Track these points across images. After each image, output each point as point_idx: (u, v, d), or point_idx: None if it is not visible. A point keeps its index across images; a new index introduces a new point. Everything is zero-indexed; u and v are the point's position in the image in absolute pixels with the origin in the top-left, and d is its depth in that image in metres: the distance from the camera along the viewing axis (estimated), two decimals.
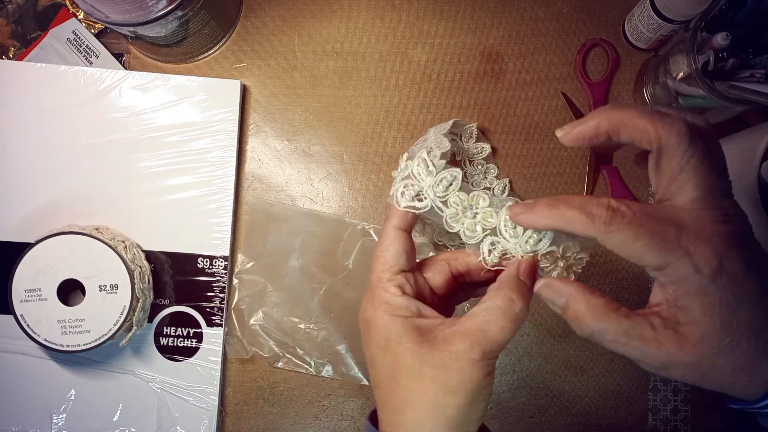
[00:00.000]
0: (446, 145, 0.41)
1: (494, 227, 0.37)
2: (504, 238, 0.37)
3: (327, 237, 0.60)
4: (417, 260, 0.39)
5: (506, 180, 0.60)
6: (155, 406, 0.57)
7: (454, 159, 0.59)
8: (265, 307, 0.59)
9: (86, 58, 0.60)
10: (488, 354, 0.33)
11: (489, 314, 0.33)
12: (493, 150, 0.61)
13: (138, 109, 0.58)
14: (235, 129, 0.59)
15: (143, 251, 0.57)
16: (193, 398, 0.57)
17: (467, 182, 0.38)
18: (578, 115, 0.61)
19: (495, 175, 0.60)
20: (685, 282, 0.29)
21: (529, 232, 0.36)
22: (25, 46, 0.60)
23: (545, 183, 0.61)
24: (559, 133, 0.35)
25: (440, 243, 0.57)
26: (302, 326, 0.59)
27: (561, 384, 0.60)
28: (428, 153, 0.39)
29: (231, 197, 0.58)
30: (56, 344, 0.53)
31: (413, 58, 0.62)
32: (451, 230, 0.38)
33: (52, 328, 0.53)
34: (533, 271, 0.36)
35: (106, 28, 0.61)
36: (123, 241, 0.55)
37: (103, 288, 0.53)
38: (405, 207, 0.38)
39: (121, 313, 0.53)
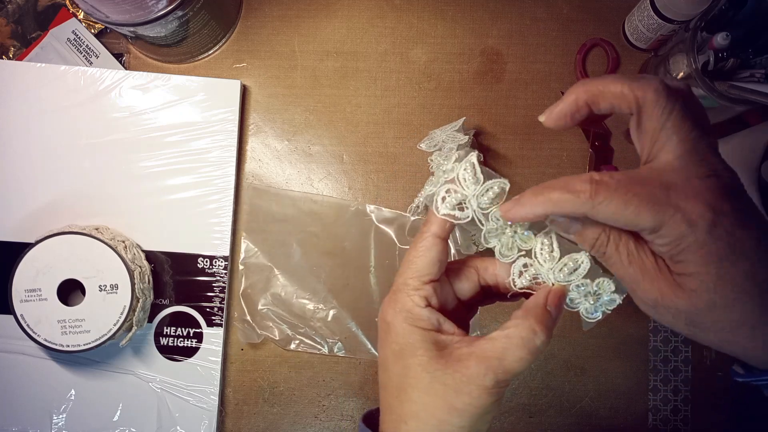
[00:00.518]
0: (462, 137, 0.40)
1: (530, 249, 0.36)
2: (538, 262, 0.35)
3: (325, 219, 0.60)
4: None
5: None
6: (155, 406, 0.57)
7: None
8: (273, 289, 0.59)
9: (86, 58, 0.60)
10: (501, 383, 0.32)
11: (509, 342, 0.33)
12: (493, 149, 0.61)
13: (138, 109, 0.58)
14: (235, 129, 0.59)
15: (143, 251, 0.57)
16: (193, 398, 0.57)
17: None
18: None
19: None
20: (681, 240, 0.29)
21: (565, 259, 0.35)
22: (25, 46, 0.60)
23: None
24: (541, 118, 0.34)
25: (472, 239, 0.54)
26: (311, 306, 0.59)
27: (561, 384, 0.60)
28: (477, 158, 0.36)
29: (231, 197, 0.58)
30: (56, 344, 0.53)
31: (413, 58, 0.62)
32: (487, 245, 0.37)
33: (52, 328, 0.53)
34: (561, 302, 0.35)
35: (106, 28, 0.61)
36: (123, 241, 0.55)
37: (103, 288, 0.53)
38: (444, 215, 0.36)
39: (121, 313, 0.53)
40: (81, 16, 0.60)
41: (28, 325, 0.53)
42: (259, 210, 0.60)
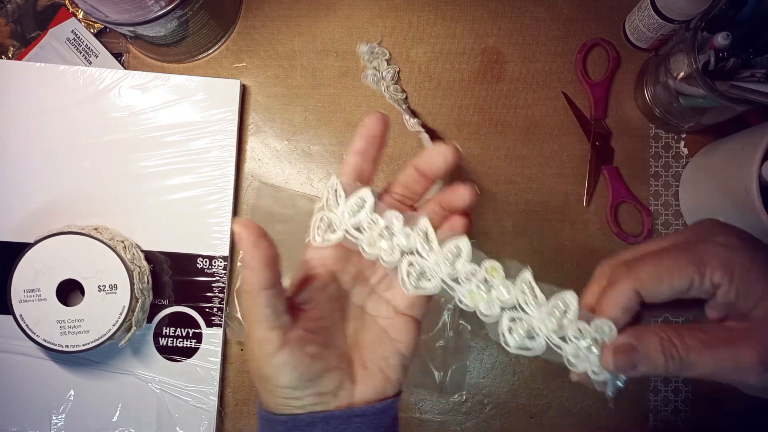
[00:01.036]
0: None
1: (511, 303, 0.33)
2: (527, 312, 0.33)
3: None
4: None
5: (395, 67, 0.61)
6: (154, 406, 0.57)
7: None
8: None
9: (85, 58, 0.60)
10: None
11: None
12: (494, 148, 0.61)
13: (137, 109, 0.58)
14: (235, 129, 0.59)
15: (142, 251, 0.57)
16: (193, 399, 0.57)
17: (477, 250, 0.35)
18: (578, 114, 0.61)
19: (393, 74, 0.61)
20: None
21: (553, 300, 0.33)
22: (24, 45, 0.60)
23: (546, 183, 0.61)
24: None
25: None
26: None
27: (561, 384, 0.60)
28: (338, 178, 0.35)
29: (230, 197, 0.58)
30: (55, 344, 0.53)
31: (413, 58, 0.62)
32: (466, 309, 0.34)
33: (51, 329, 0.53)
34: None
35: (105, 27, 0.60)
36: (122, 242, 0.55)
37: (102, 288, 0.53)
38: (413, 291, 0.35)
39: (121, 314, 0.53)
40: (80, 15, 0.60)
41: (27, 326, 0.52)
42: (259, 210, 0.60)
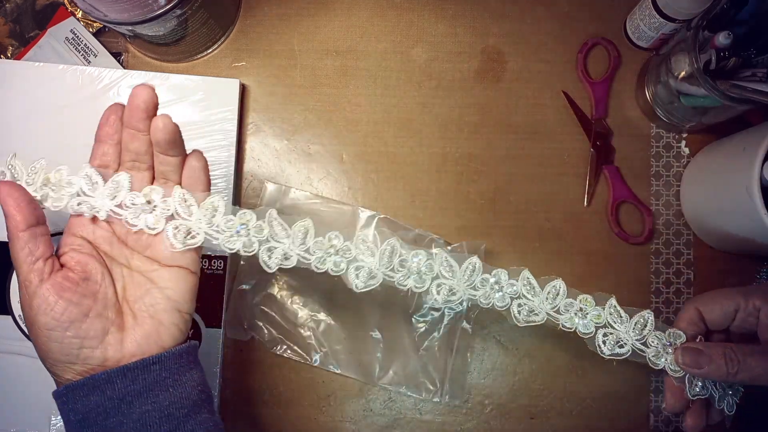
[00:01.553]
0: None
1: (601, 322, 0.46)
2: (614, 327, 0.46)
3: (333, 224, 0.59)
4: None
5: None
6: None
7: None
8: (269, 290, 0.59)
9: (84, 57, 0.59)
10: None
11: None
12: (494, 148, 0.61)
13: None
14: (234, 128, 0.59)
15: None
16: None
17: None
18: (579, 114, 0.61)
19: None
20: None
21: (636, 318, 0.45)
22: (23, 45, 0.60)
23: (546, 182, 0.61)
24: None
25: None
26: (304, 314, 0.59)
27: (562, 385, 0.60)
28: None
29: (230, 197, 0.58)
30: None
31: (413, 57, 0.62)
32: (568, 330, 0.46)
33: None
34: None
35: (104, 26, 0.60)
36: None
37: None
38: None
39: None
40: (79, 15, 0.60)
41: (26, 326, 0.52)
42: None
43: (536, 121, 0.61)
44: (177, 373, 0.39)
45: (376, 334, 0.59)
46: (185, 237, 0.41)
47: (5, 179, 0.41)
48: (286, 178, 0.61)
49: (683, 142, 0.61)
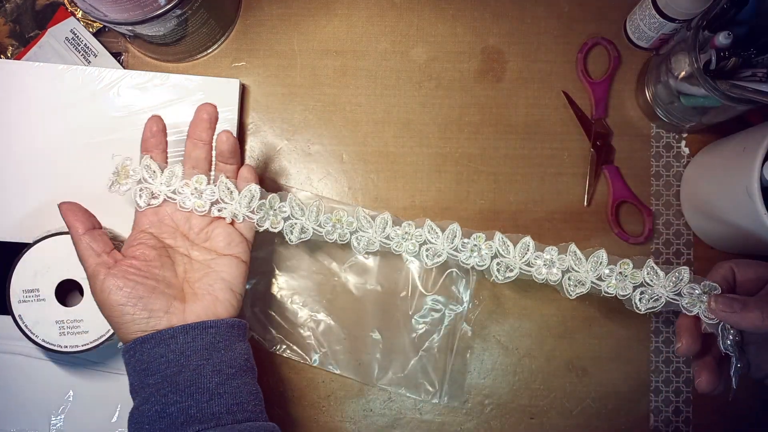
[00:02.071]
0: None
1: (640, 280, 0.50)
2: (652, 285, 0.49)
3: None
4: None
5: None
6: None
7: None
8: (270, 289, 0.59)
9: (84, 57, 0.59)
10: None
11: None
12: (494, 148, 0.61)
13: (136, 108, 0.58)
14: (234, 128, 0.59)
15: None
16: None
17: None
18: (579, 114, 0.61)
19: None
20: None
21: (672, 274, 0.48)
22: (23, 45, 0.60)
23: (546, 182, 0.61)
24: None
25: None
26: (303, 314, 0.59)
27: (562, 385, 0.60)
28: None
29: None
30: (54, 345, 0.53)
31: (413, 57, 0.62)
32: (609, 295, 0.50)
33: (50, 329, 0.52)
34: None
35: (104, 26, 0.60)
36: (122, 242, 0.55)
37: None
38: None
39: None
40: (79, 15, 0.60)
41: (26, 326, 0.52)
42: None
43: (536, 121, 0.61)
44: (228, 340, 0.46)
45: (376, 335, 0.59)
46: (232, 216, 0.51)
47: (130, 178, 0.50)
48: (286, 178, 0.61)
49: (683, 142, 0.61)
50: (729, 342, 0.46)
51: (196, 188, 0.49)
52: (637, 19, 0.59)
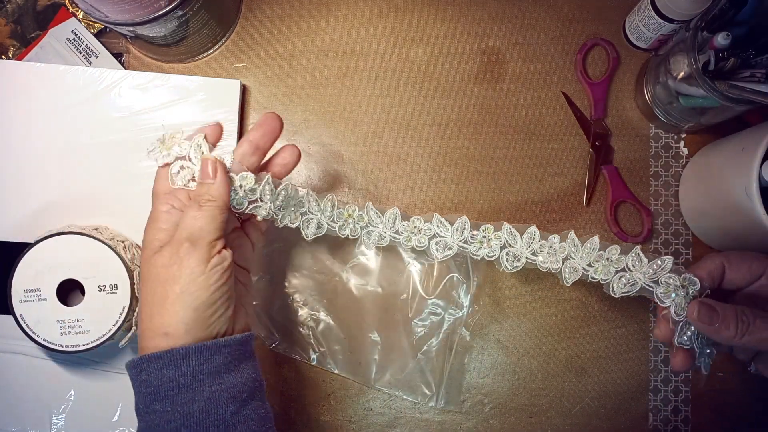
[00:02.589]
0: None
1: (623, 266, 0.48)
2: (631, 271, 0.48)
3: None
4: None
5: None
6: None
7: None
8: (270, 289, 0.59)
9: (86, 58, 0.60)
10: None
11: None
12: (494, 148, 0.61)
13: (137, 109, 0.58)
14: (235, 129, 0.59)
15: None
16: None
17: None
18: (578, 114, 0.61)
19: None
20: None
21: (658, 261, 0.47)
22: (24, 45, 0.60)
23: (545, 183, 0.61)
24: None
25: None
26: (303, 312, 0.59)
27: (561, 384, 0.60)
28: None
29: None
30: (56, 344, 0.53)
31: (413, 58, 0.62)
32: (593, 279, 0.49)
33: (51, 329, 0.53)
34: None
35: (105, 27, 0.60)
36: (122, 241, 0.55)
37: (102, 288, 0.53)
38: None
39: (121, 314, 0.53)
40: (80, 15, 0.60)
41: (27, 326, 0.53)
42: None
43: (535, 121, 0.61)
44: (238, 359, 0.43)
45: (375, 336, 0.59)
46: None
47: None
48: (286, 178, 0.61)
49: (682, 143, 0.61)
50: (685, 338, 0.45)
51: (241, 185, 0.46)
52: (636, 19, 0.59)
